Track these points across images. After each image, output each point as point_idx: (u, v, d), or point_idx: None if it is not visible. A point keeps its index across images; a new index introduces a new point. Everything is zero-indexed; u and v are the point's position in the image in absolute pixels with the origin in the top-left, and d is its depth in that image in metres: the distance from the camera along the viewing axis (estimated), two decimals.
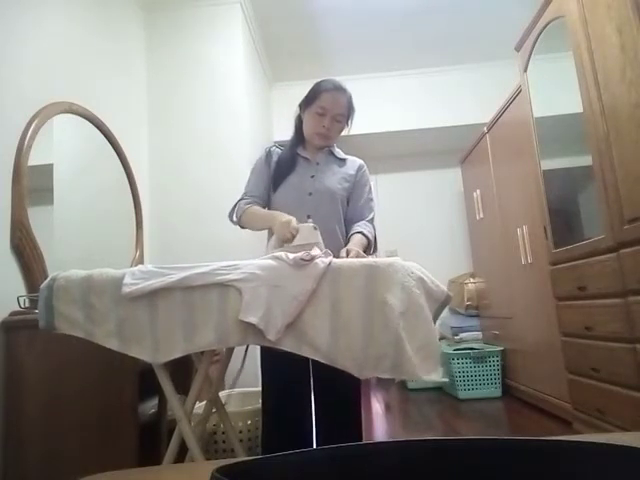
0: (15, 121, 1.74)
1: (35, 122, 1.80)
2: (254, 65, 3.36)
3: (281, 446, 1.38)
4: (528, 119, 2.57)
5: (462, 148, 4.09)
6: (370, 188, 1.66)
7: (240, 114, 2.86)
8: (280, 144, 1.69)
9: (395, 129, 4.13)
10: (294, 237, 1.35)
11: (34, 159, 1.77)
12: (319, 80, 1.60)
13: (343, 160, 1.66)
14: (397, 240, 4.60)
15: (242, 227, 1.59)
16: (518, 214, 2.92)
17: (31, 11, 1.87)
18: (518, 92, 2.76)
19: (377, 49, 3.82)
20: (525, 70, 2.58)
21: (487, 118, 3.37)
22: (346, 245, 1.48)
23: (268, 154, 1.65)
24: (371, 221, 1.60)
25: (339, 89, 1.55)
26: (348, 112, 1.59)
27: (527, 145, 2.61)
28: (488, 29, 3.59)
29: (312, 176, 1.57)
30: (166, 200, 2.79)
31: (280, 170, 1.58)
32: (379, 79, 4.17)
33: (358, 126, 4.15)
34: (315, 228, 1.38)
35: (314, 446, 1.51)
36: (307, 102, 1.57)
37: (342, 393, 1.46)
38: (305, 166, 1.59)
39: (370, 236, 1.53)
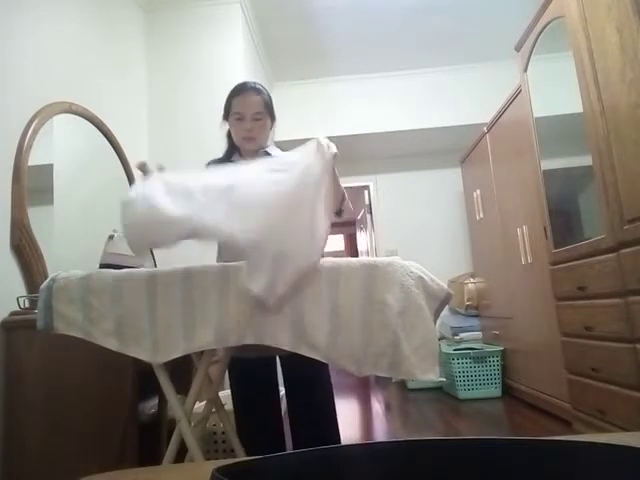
0: (15, 121, 1.74)
1: (35, 122, 1.80)
2: (254, 65, 3.36)
3: (255, 451, 1.42)
4: (528, 119, 2.57)
5: (462, 148, 4.09)
6: None
7: None
8: (217, 160, 1.67)
9: (395, 129, 4.13)
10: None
11: (34, 159, 1.77)
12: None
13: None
14: (397, 240, 4.60)
15: None
16: (518, 214, 2.92)
17: (31, 11, 1.87)
18: (518, 92, 2.76)
19: (377, 49, 3.82)
20: (525, 70, 2.58)
21: (487, 118, 3.37)
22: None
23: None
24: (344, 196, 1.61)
25: (248, 90, 1.54)
26: (265, 108, 1.56)
27: (527, 145, 2.61)
28: (488, 29, 3.59)
29: None
30: None
31: None
32: (379, 79, 4.17)
33: (359, 126, 4.19)
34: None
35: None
36: (225, 113, 1.58)
37: (315, 395, 1.49)
38: None
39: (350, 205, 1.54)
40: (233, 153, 1.64)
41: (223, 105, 1.58)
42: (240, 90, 1.54)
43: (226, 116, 1.58)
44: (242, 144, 1.59)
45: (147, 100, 2.88)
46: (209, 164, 1.67)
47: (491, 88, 3.78)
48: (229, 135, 1.64)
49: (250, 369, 1.48)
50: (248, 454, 1.42)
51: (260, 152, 1.62)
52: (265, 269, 1.04)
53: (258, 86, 1.57)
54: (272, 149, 1.65)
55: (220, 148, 1.76)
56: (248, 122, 1.53)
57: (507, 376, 3.35)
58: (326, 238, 1.09)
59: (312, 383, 1.48)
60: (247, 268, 1.05)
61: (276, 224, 1.05)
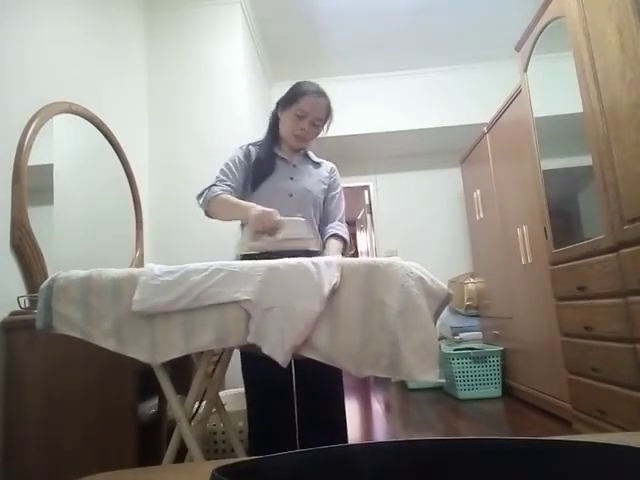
0: (15, 121, 1.74)
1: (35, 122, 1.80)
2: (254, 65, 3.36)
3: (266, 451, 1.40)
4: (528, 119, 2.57)
5: (462, 148, 4.09)
6: (341, 190, 1.72)
7: (240, 113, 2.86)
8: (254, 143, 1.68)
9: (395, 129, 4.13)
10: (274, 230, 1.34)
11: (34, 159, 1.77)
12: (300, 81, 1.61)
13: (318, 163, 1.70)
14: (397, 240, 4.60)
15: (209, 216, 1.53)
16: (518, 214, 2.92)
17: (31, 11, 1.87)
18: (518, 92, 2.76)
19: (377, 49, 3.82)
20: (525, 70, 2.58)
21: (487, 118, 3.37)
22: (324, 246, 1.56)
23: (247, 153, 1.63)
24: (342, 219, 1.66)
25: (320, 94, 1.56)
26: (326, 117, 1.60)
27: (527, 145, 2.61)
28: (488, 29, 3.60)
29: (291, 178, 1.59)
30: (166, 200, 2.79)
31: (259, 170, 1.57)
32: (379, 79, 4.17)
33: (359, 126, 4.20)
34: (305, 222, 1.39)
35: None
36: (287, 102, 1.58)
37: (327, 398, 1.49)
38: (283, 167, 1.60)
39: (346, 237, 1.59)
40: (274, 144, 1.64)
41: (287, 91, 1.60)
42: (315, 91, 1.56)
43: (286, 105, 1.58)
44: (290, 140, 1.60)
45: (147, 100, 2.88)
46: (249, 147, 1.65)
47: (491, 88, 3.78)
48: (274, 121, 1.65)
49: (264, 366, 1.46)
50: (261, 452, 1.42)
51: (300, 152, 1.66)
52: (272, 328, 1.04)
53: (326, 93, 1.59)
54: (309, 152, 1.71)
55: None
56: (306, 123, 1.55)
57: (507, 376, 3.35)
58: (330, 288, 1.06)
59: (323, 386, 1.47)
60: (253, 325, 1.06)
61: (278, 283, 1.07)
